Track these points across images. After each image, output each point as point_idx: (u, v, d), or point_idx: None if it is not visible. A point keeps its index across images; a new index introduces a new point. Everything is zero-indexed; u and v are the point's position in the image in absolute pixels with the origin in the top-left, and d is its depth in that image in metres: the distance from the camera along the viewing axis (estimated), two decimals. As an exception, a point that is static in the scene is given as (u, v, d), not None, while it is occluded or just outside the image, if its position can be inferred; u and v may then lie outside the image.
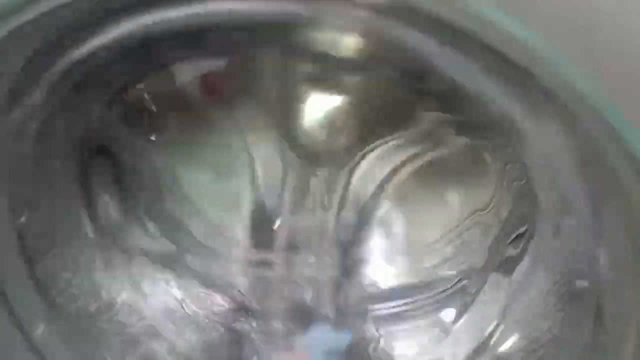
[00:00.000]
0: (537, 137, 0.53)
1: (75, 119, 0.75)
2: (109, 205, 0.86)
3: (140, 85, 0.79)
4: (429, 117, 0.82)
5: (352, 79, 0.84)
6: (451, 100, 0.70)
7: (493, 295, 0.82)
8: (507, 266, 0.81)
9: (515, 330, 0.75)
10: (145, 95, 0.82)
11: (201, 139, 0.89)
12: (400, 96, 0.81)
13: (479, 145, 0.81)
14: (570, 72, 0.41)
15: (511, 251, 0.80)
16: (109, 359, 0.80)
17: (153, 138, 0.87)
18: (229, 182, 0.92)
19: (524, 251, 0.78)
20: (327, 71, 0.81)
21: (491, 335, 0.78)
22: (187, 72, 0.79)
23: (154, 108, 0.83)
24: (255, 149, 0.89)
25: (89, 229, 0.84)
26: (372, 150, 0.87)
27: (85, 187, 0.84)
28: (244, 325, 0.90)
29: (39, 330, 0.75)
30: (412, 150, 0.86)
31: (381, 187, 0.89)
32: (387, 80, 0.80)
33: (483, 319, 0.81)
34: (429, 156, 0.85)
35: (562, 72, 0.42)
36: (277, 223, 0.91)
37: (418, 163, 0.86)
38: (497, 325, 0.79)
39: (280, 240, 0.90)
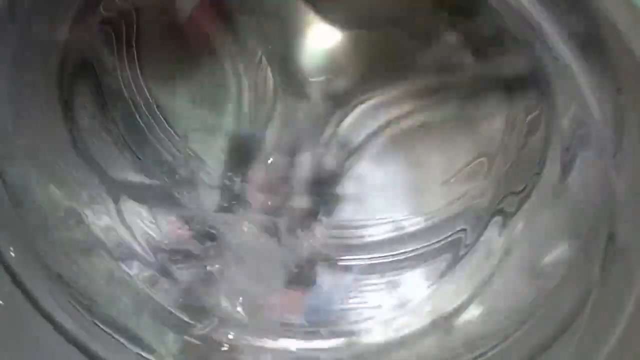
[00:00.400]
0: (558, 41, 0.47)
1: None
2: (90, 128, 0.80)
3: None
4: (442, 38, 0.76)
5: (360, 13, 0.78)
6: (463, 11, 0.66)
7: (491, 244, 0.77)
8: (508, 211, 0.75)
9: (516, 270, 0.70)
10: (129, 6, 0.75)
11: (189, 64, 0.82)
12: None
13: (489, 72, 0.75)
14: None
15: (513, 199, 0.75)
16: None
17: (135, 60, 0.80)
18: (212, 112, 0.86)
19: (527, 196, 0.73)
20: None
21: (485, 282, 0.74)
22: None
23: (136, 22, 0.77)
24: (246, 78, 0.83)
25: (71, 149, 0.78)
26: (370, 98, 0.82)
27: (68, 107, 0.77)
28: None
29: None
30: (413, 103, 0.80)
31: (375, 133, 0.84)
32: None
33: (477, 268, 0.76)
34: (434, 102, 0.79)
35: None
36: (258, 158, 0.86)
37: (420, 116, 0.81)
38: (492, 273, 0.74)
39: (258, 175, 0.86)
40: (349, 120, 0.85)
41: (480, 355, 0.67)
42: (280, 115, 0.85)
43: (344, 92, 0.84)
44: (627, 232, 0.46)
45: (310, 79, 0.84)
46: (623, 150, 0.48)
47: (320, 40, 0.83)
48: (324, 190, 0.86)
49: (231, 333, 0.78)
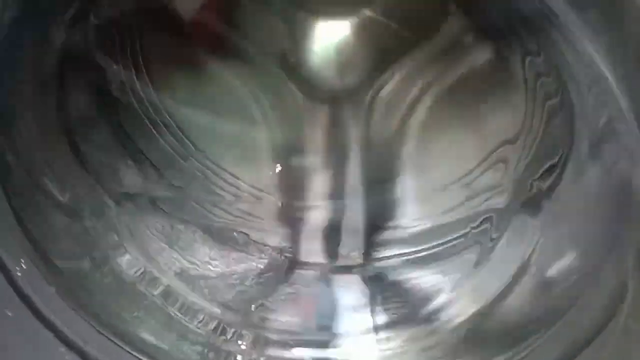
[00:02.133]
0: (577, 32, 0.43)
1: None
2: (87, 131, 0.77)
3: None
4: (452, 25, 0.72)
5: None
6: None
7: (517, 238, 0.72)
8: (534, 204, 0.70)
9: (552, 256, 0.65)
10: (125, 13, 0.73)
11: (198, 72, 0.80)
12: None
13: (507, 57, 0.70)
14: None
15: (540, 185, 0.70)
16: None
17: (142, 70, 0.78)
18: (230, 122, 0.84)
19: (555, 184, 0.68)
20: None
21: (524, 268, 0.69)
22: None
23: (135, 27, 0.75)
24: (259, 87, 0.80)
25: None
26: (386, 82, 0.78)
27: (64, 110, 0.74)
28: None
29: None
30: (431, 74, 0.76)
31: (403, 122, 0.80)
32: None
33: (505, 263, 0.72)
34: (451, 77, 0.75)
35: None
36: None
37: (440, 89, 0.76)
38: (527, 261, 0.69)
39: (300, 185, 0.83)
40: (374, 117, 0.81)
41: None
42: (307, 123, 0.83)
43: (357, 87, 0.80)
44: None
45: (322, 78, 0.81)
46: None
47: (327, 38, 0.80)
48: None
49: (244, 344, 0.75)
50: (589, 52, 0.44)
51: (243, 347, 0.75)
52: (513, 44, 0.68)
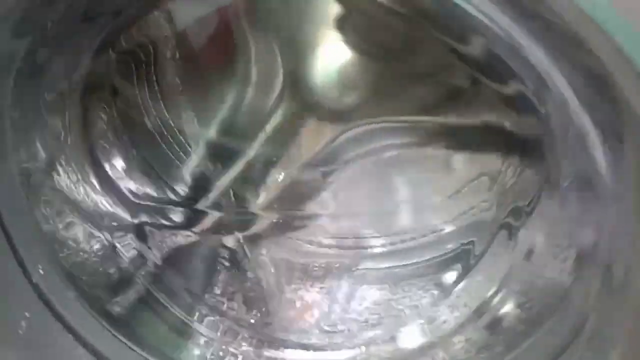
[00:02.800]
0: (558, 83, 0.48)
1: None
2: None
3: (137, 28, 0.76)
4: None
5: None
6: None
7: (496, 259, 0.79)
8: (514, 224, 0.77)
9: (517, 294, 0.72)
10: (143, 39, 0.78)
11: (202, 89, 0.85)
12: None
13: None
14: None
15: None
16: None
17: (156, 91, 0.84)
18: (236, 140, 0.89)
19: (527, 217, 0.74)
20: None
21: (492, 298, 0.75)
22: (186, 12, 0.76)
23: (152, 54, 0.80)
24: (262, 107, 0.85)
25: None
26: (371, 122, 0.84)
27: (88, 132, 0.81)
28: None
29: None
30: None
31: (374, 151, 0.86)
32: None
33: (484, 283, 0.78)
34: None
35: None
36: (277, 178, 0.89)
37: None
38: (498, 289, 0.76)
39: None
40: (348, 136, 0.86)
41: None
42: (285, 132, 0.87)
43: (348, 111, 0.85)
44: (622, 270, 0.47)
45: (319, 96, 0.86)
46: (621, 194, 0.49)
47: (331, 59, 0.84)
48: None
49: (244, 344, 0.81)
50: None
51: (244, 347, 0.81)
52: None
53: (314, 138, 0.88)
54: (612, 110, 0.44)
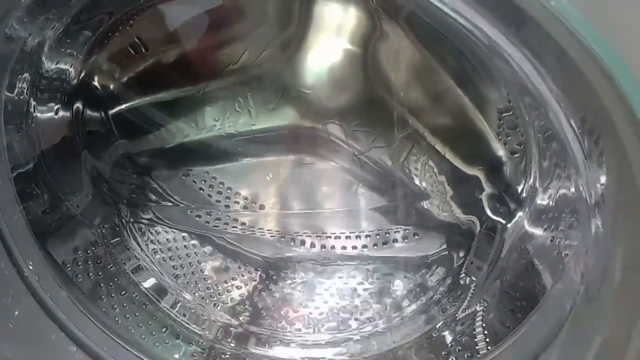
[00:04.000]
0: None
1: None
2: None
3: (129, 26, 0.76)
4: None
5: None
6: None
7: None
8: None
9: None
10: (136, 40, 0.78)
11: (197, 88, 0.86)
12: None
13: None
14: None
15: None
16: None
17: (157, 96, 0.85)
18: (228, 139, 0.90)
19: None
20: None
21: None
22: (177, 13, 0.76)
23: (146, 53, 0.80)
24: (255, 105, 0.87)
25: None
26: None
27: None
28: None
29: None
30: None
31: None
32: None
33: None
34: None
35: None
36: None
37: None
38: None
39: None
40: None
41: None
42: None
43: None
44: (596, 283, 0.49)
45: (315, 98, 0.87)
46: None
47: (320, 61, 0.86)
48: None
49: (232, 342, 0.82)
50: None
51: (232, 343, 0.82)
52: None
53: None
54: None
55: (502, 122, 0.76)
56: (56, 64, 0.76)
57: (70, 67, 0.78)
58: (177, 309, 0.84)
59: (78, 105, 0.83)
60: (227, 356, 0.80)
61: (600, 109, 0.40)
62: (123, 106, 0.87)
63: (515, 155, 0.76)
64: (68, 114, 0.82)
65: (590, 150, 0.47)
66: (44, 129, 0.77)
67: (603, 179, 0.47)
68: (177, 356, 0.76)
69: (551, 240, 0.70)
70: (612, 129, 0.40)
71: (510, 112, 0.73)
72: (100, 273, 0.82)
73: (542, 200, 0.72)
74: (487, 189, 0.81)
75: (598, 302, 0.47)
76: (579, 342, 0.48)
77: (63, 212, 0.78)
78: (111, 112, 0.87)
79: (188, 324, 0.83)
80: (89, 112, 0.85)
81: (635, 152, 0.40)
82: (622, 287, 0.44)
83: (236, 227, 0.93)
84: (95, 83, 0.83)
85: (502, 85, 0.71)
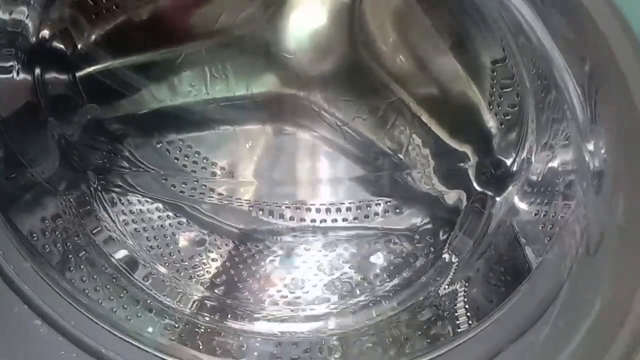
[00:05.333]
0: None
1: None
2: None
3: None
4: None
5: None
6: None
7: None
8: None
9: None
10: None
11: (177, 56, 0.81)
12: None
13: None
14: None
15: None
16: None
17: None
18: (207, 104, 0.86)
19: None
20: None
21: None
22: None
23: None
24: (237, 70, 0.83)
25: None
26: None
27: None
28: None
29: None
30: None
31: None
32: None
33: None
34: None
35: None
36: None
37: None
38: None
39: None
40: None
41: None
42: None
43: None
44: (597, 241, 0.47)
45: (297, 64, 0.83)
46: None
47: (303, 23, 0.82)
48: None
49: (207, 316, 0.79)
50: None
51: (207, 317, 0.79)
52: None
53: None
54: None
55: (495, 81, 0.73)
56: (10, 15, 0.70)
57: (26, 18, 0.72)
58: (150, 281, 0.81)
59: (40, 67, 0.77)
60: (202, 330, 0.77)
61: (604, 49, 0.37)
62: (92, 68, 0.82)
63: (507, 127, 0.74)
64: (29, 77, 0.76)
65: (590, 97, 0.45)
66: (2, 90, 0.72)
67: (603, 136, 0.45)
68: (150, 330, 0.72)
69: (535, 214, 0.68)
70: (616, 72, 0.38)
71: (506, 62, 0.70)
72: (68, 244, 0.77)
73: (533, 173, 0.71)
74: (475, 162, 0.78)
75: (596, 265, 0.45)
76: (574, 313, 0.46)
77: (27, 178, 0.73)
78: (79, 74, 0.81)
79: (162, 297, 0.79)
80: (54, 74, 0.79)
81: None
82: (621, 248, 0.42)
83: (212, 197, 0.89)
84: (59, 42, 0.77)
85: (498, 34, 0.69)
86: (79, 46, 0.79)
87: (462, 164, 0.80)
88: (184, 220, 0.89)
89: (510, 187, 0.73)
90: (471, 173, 0.79)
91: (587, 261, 0.48)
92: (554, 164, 0.66)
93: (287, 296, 0.84)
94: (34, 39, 0.74)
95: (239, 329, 0.79)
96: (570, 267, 0.50)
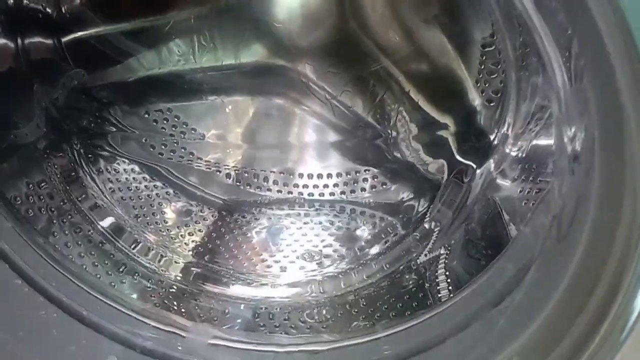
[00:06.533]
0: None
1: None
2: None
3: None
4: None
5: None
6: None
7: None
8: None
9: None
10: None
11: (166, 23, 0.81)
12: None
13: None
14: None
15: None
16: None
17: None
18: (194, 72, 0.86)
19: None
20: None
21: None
22: None
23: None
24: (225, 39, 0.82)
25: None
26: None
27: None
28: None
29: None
30: None
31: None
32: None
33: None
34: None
35: None
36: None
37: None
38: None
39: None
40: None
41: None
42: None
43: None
44: (569, 219, 0.48)
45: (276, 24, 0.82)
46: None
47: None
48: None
49: (191, 281, 0.79)
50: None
51: (191, 281, 0.79)
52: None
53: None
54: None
55: (484, 57, 0.73)
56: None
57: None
58: (135, 247, 0.81)
59: (22, 31, 0.76)
60: (185, 295, 0.78)
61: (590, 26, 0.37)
62: (79, 34, 0.81)
63: (492, 104, 0.74)
64: (12, 43, 0.75)
65: (575, 74, 0.45)
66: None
67: (584, 116, 0.45)
68: (134, 296, 0.73)
69: (520, 192, 0.68)
70: (600, 52, 0.37)
71: (494, 38, 0.70)
72: (53, 210, 0.77)
73: (513, 150, 0.71)
74: (457, 132, 0.79)
75: (569, 240, 0.46)
76: (547, 283, 0.47)
77: (11, 140, 0.72)
78: (65, 39, 0.80)
79: (147, 262, 0.79)
80: (38, 38, 0.78)
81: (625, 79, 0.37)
82: (594, 224, 0.42)
83: (200, 164, 0.89)
84: (42, 5, 0.76)
85: (487, 8, 0.68)
86: (64, 9, 0.78)
87: (444, 134, 0.80)
88: (170, 190, 0.89)
89: (490, 160, 0.73)
90: (453, 144, 0.79)
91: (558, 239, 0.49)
92: (538, 142, 0.66)
93: (271, 266, 0.84)
94: (11, 0, 0.73)
95: (221, 293, 0.79)
96: (542, 243, 0.51)
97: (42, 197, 0.76)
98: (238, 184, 0.90)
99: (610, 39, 0.39)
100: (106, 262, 0.78)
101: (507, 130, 0.71)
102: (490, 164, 0.73)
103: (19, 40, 0.75)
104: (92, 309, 0.63)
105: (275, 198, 0.90)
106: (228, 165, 0.90)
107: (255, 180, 0.90)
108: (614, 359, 0.43)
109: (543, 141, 0.65)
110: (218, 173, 0.90)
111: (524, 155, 0.69)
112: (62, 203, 0.78)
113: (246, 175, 0.90)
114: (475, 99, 0.76)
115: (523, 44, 0.64)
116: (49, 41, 0.79)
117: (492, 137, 0.74)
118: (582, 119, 0.46)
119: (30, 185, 0.75)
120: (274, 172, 0.90)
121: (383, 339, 0.61)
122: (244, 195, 0.90)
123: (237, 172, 0.90)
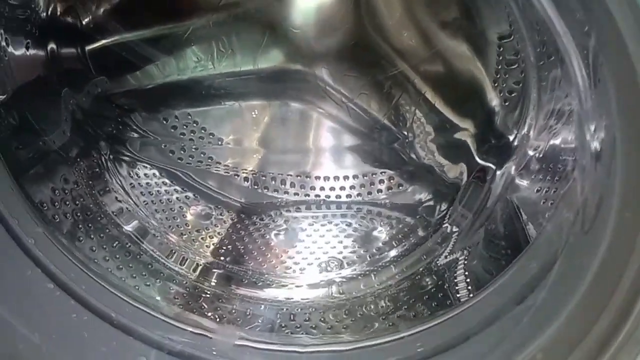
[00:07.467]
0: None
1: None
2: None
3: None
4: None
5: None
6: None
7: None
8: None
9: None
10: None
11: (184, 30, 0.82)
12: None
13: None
14: None
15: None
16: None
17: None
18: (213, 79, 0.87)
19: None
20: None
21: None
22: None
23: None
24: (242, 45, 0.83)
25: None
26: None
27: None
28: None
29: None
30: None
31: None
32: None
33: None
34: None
35: None
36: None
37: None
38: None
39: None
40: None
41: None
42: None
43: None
44: (592, 215, 0.48)
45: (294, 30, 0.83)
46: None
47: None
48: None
49: (213, 281, 0.80)
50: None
51: (213, 283, 0.81)
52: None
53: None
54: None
55: (501, 58, 0.73)
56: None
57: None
58: (160, 250, 0.82)
59: (52, 42, 0.78)
60: (208, 296, 0.79)
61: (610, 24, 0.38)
62: (101, 42, 0.83)
63: (511, 104, 0.74)
64: (42, 52, 0.77)
65: (595, 73, 0.45)
66: (15, 65, 0.72)
67: (604, 113, 0.45)
68: (158, 298, 0.74)
69: (537, 191, 0.69)
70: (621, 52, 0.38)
71: (511, 38, 0.70)
72: (78, 214, 0.78)
73: (535, 150, 0.71)
74: (477, 135, 0.79)
75: (592, 235, 0.46)
76: (571, 279, 0.47)
77: (39, 147, 0.74)
78: (88, 47, 0.82)
79: (171, 264, 0.81)
80: (64, 48, 0.80)
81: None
82: (618, 219, 0.43)
83: (219, 168, 0.90)
84: (68, 17, 0.78)
85: (505, 8, 0.69)
86: (87, 20, 0.80)
87: (462, 136, 0.80)
88: (190, 194, 0.90)
89: (510, 161, 0.73)
90: (472, 145, 0.79)
91: (582, 234, 0.49)
92: (556, 141, 0.66)
93: (290, 267, 0.85)
94: (43, 14, 0.75)
95: (244, 295, 0.80)
96: (566, 239, 0.51)
97: (67, 202, 0.78)
98: (256, 187, 0.92)
99: (630, 39, 0.39)
100: (130, 265, 0.79)
101: (528, 130, 0.71)
102: (511, 164, 0.73)
103: (49, 50, 0.77)
104: (120, 312, 0.64)
105: (293, 200, 0.91)
106: (246, 169, 0.91)
107: (273, 183, 0.91)
108: None
109: (562, 140, 0.65)
110: (236, 177, 0.91)
111: (543, 154, 0.70)
112: (87, 207, 0.80)
113: (263, 178, 0.91)
114: (494, 100, 0.77)
115: (541, 43, 0.64)
116: (73, 50, 0.81)
117: (511, 138, 0.74)
118: (603, 118, 0.47)
119: (56, 191, 0.77)
120: (290, 175, 0.91)
121: (407, 339, 0.61)
122: (261, 198, 0.92)
123: (254, 175, 0.91)
